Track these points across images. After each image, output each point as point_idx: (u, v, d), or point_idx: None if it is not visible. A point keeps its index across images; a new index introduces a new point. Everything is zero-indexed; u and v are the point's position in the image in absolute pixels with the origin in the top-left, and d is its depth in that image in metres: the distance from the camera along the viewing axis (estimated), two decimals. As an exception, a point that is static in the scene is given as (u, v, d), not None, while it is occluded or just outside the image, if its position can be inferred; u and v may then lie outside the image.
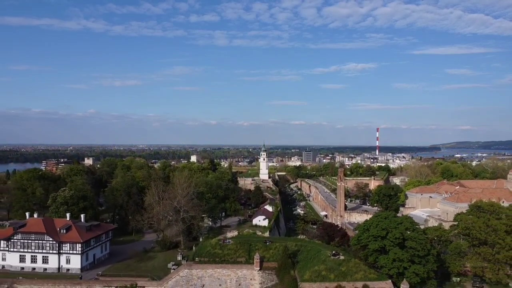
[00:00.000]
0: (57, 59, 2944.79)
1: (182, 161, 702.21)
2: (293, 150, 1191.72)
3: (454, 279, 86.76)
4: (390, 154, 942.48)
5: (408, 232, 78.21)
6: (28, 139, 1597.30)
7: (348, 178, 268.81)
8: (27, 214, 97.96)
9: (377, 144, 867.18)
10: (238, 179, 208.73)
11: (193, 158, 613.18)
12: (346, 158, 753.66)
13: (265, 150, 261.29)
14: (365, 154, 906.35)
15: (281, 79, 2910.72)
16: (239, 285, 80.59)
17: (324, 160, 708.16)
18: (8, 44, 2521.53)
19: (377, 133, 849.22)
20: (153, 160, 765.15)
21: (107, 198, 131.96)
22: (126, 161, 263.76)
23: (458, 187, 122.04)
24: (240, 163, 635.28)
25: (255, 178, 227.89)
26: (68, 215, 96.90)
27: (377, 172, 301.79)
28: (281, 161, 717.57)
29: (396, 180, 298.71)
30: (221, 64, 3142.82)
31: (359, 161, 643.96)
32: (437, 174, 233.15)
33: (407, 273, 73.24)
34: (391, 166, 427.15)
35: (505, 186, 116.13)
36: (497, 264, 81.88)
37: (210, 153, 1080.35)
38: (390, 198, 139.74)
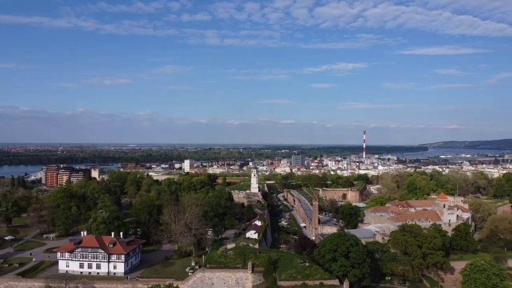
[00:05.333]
0: (46, 57, 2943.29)
1: (176, 164, 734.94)
2: (283, 151, 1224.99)
3: (387, 278, 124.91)
4: (377, 156, 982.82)
5: (353, 248, 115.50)
6: (17, 138, 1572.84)
7: (328, 189, 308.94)
8: (82, 233, 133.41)
9: (364, 146, 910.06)
10: (232, 192, 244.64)
11: (187, 163, 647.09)
12: (333, 162, 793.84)
13: (255, 168, 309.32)
14: (352, 157, 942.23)
15: (272, 78, 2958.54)
16: (237, 283, 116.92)
17: (312, 164, 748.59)
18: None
19: (364, 136, 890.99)
20: (147, 164, 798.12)
21: (131, 215, 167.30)
22: (131, 175, 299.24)
23: (401, 207, 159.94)
24: (232, 167, 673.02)
25: (247, 191, 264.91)
26: (113, 234, 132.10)
27: (355, 182, 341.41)
28: (271, 163, 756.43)
29: (373, 189, 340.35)
30: (212, 63, 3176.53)
31: (344, 165, 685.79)
32: (404, 187, 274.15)
33: (349, 275, 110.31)
34: (372, 173, 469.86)
35: (435, 208, 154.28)
36: (413, 268, 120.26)
37: (202, 154, 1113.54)
38: (351, 216, 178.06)
